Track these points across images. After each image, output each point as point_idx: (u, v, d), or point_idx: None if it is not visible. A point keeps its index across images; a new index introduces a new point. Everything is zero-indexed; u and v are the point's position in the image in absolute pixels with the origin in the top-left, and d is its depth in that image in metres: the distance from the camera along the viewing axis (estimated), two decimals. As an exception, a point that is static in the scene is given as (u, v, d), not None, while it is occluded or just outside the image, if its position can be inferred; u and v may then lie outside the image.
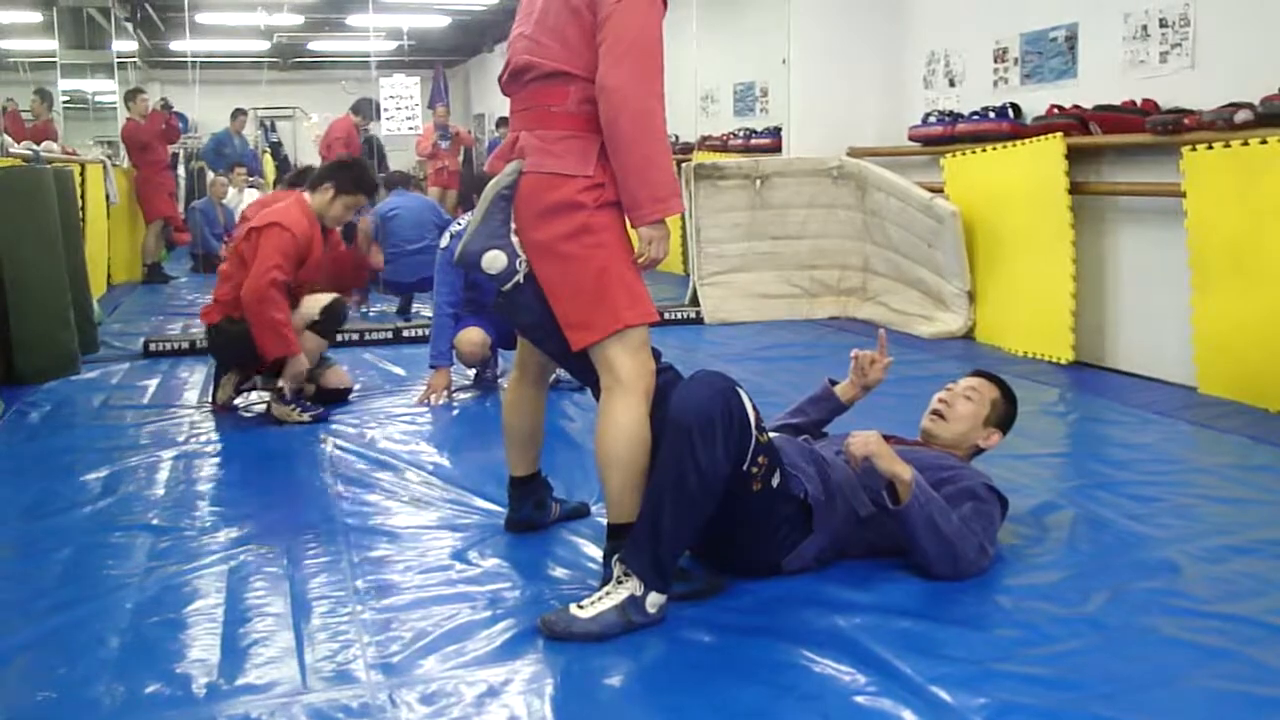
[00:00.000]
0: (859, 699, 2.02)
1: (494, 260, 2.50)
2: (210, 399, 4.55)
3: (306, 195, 4.44)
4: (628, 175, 2.41)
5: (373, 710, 2.00)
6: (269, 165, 14.75)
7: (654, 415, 2.47)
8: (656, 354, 2.63)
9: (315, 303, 4.42)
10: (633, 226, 2.48)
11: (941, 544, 2.51)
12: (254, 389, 4.57)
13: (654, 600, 2.31)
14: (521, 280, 2.51)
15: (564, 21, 2.44)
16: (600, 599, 2.31)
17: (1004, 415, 2.94)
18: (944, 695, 2.01)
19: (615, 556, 2.37)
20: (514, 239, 2.51)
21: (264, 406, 4.46)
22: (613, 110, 2.37)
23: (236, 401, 4.55)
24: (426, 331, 6.13)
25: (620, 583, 2.32)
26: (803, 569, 2.59)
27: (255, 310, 4.15)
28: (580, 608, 2.30)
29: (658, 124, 2.41)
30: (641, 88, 2.38)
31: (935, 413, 2.90)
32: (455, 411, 4.49)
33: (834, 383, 3.06)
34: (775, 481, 2.47)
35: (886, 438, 2.75)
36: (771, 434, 2.55)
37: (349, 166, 4.56)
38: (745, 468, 2.37)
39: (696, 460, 2.28)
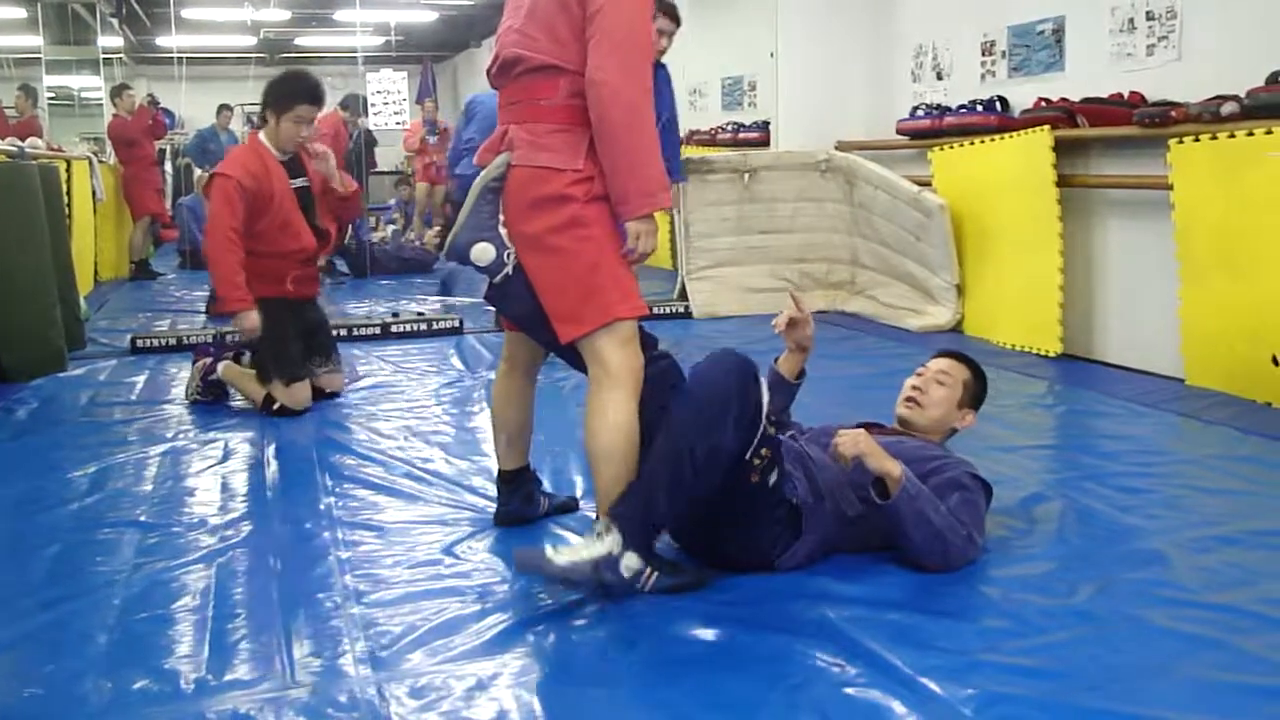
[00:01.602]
0: (848, 690, 2.02)
1: (483, 252, 2.50)
2: (185, 394, 4.58)
3: (260, 136, 4.40)
4: (616, 169, 2.41)
5: (361, 704, 1.99)
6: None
7: (650, 403, 2.47)
8: (653, 340, 2.63)
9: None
10: (621, 220, 2.47)
11: (931, 536, 2.51)
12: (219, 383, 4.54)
13: (630, 563, 2.30)
14: (511, 272, 2.51)
15: (553, 15, 2.44)
16: (577, 549, 2.31)
17: (976, 394, 2.94)
18: (933, 686, 2.01)
19: (605, 513, 2.36)
20: (502, 231, 2.51)
21: (250, 401, 4.44)
22: (602, 104, 2.37)
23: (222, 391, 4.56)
24: (413, 327, 6.14)
25: (600, 537, 2.31)
26: (795, 568, 2.58)
27: (210, 264, 4.29)
28: (555, 552, 2.29)
29: (647, 118, 2.41)
30: (631, 82, 2.37)
31: (910, 399, 2.89)
32: (444, 406, 4.47)
33: (777, 364, 3.01)
34: (772, 480, 2.46)
35: (869, 427, 2.75)
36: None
37: (273, 85, 4.42)
38: (748, 456, 2.37)
39: (707, 433, 2.28)
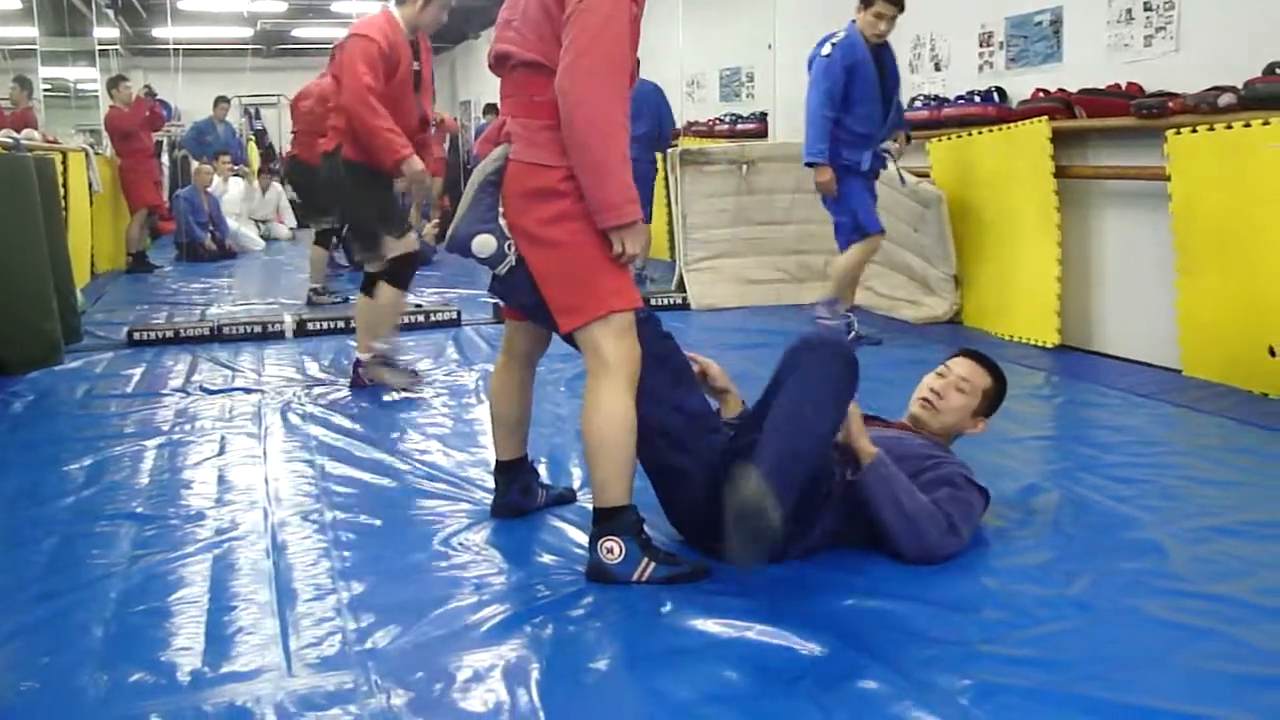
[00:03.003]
0: (846, 682, 2.02)
1: (484, 244, 2.50)
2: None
3: (393, 8, 4.36)
4: (583, 178, 2.39)
5: (357, 695, 2.00)
6: (254, 153, 14.68)
7: (650, 392, 2.51)
8: (656, 321, 2.63)
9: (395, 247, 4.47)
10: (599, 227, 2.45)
11: (904, 519, 2.52)
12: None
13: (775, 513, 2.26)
14: (514, 263, 2.51)
15: (540, 17, 2.44)
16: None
17: (993, 403, 2.91)
18: (930, 677, 2.01)
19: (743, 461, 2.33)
20: (502, 222, 2.51)
21: (248, 394, 4.44)
22: (566, 113, 2.35)
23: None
24: (411, 319, 6.13)
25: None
26: (794, 558, 2.58)
27: (359, 120, 4.17)
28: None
29: (612, 129, 2.37)
30: (596, 92, 2.35)
31: (926, 401, 2.86)
32: (441, 398, 4.47)
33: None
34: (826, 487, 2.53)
35: (867, 420, 2.74)
36: None
37: None
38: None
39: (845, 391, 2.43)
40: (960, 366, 2.90)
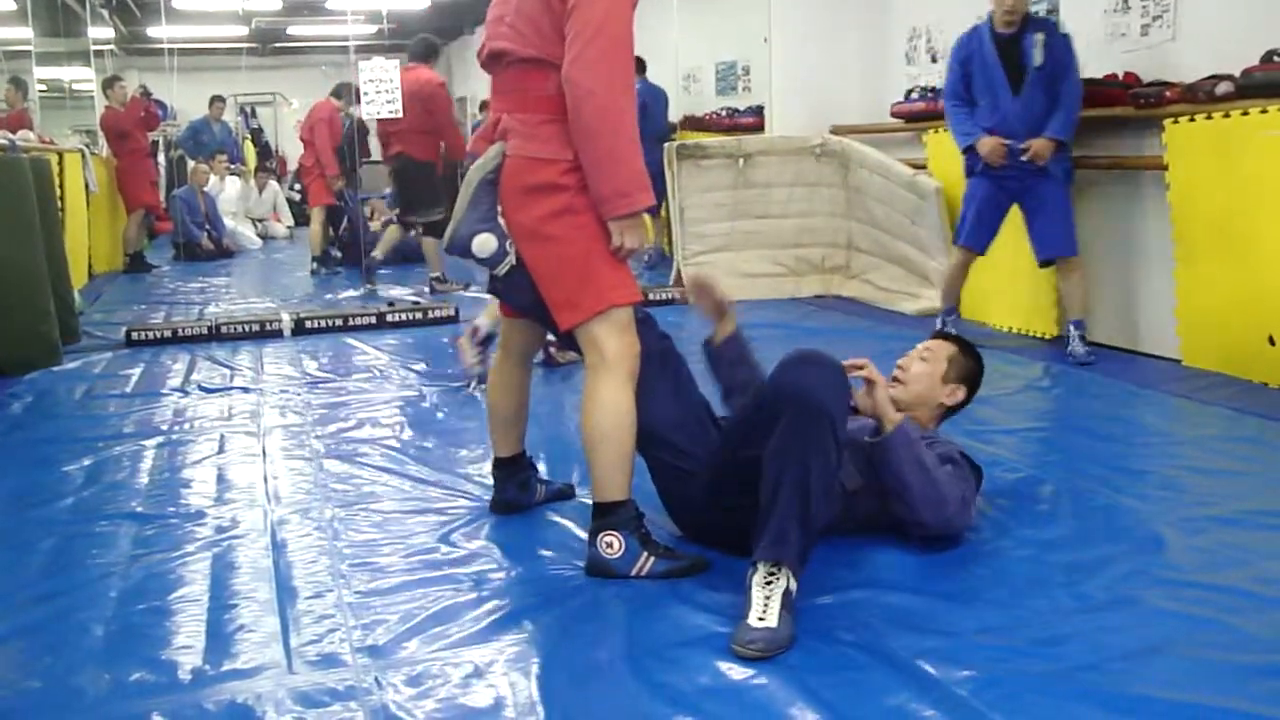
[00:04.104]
0: (844, 674, 2.02)
1: (485, 244, 2.50)
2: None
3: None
4: (591, 169, 2.39)
5: (358, 692, 2.00)
6: (250, 152, 14.66)
7: (651, 385, 2.51)
8: (653, 321, 2.63)
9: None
10: (603, 218, 2.45)
11: (928, 483, 2.51)
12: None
13: (794, 588, 2.21)
14: (515, 262, 2.50)
15: (538, 11, 2.42)
16: (769, 605, 2.15)
17: (965, 370, 2.89)
18: (929, 669, 2.01)
19: (760, 560, 2.20)
20: (502, 221, 2.50)
21: (246, 393, 4.43)
22: (575, 104, 2.35)
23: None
24: (409, 317, 6.13)
25: (771, 582, 2.18)
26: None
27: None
28: (762, 619, 2.13)
29: (622, 118, 2.37)
30: (605, 82, 2.34)
31: (894, 378, 2.88)
32: (440, 394, 4.47)
33: (708, 343, 2.94)
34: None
35: (853, 412, 2.73)
36: None
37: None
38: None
39: (838, 441, 2.25)
40: (923, 342, 2.96)
